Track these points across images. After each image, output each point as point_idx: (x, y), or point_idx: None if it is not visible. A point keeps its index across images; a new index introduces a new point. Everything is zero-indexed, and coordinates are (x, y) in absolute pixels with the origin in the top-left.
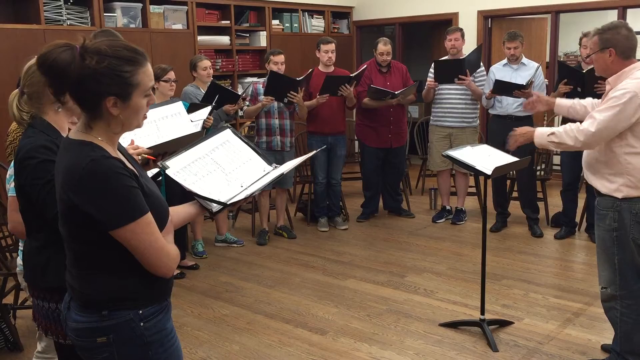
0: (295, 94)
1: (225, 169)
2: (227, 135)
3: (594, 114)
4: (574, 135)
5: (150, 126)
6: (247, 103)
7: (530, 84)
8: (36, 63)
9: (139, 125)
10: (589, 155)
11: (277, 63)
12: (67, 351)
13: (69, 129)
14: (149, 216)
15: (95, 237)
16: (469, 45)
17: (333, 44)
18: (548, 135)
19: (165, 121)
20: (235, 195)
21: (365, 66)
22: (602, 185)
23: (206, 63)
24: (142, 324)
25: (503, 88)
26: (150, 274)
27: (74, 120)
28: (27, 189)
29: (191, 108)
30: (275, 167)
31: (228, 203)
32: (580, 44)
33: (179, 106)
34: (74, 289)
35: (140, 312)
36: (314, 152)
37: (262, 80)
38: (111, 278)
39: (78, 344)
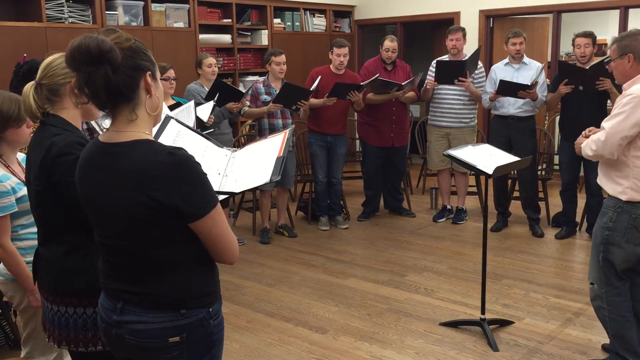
0: (306, 102)
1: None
2: (176, 126)
3: (603, 124)
4: (589, 146)
5: None
6: (248, 104)
7: (534, 84)
8: (73, 58)
9: (161, 118)
10: (602, 160)
11: (280, 63)
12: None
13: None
14: (219, 203)
15: (174, 235)
16: (470, 45)
17: (346, 48)
18: (582, 148)
19: None
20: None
21: (377, 75)
22: (610, 187)
23: (211, 60)
24: (211, 321)
25: (507, 88)
26: (215, 269)
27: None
28: (61, 186)
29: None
30: (234, 150)
31: (237, 191)
32: (573, 45)
33: (164, 108)
34: (136, 293)
35: (211, 309)
36: (286, 131)
37: (262, 79)
38: (189, 276)
39: (143, 345)
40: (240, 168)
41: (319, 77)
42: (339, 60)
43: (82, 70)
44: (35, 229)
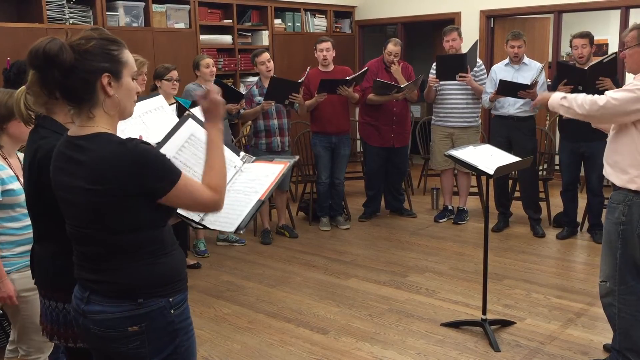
0: (297, 95)
1: (197, 172)
2: (191, 127)
3: (607, 92)
4: (581, 103)
5: (136, 121)
6: (244, 107)
7: (534, 83)
8: (27, 59)
9: (131, 112)
10: (609, 149)
11: (264, 62)
12: (77, 355)
13: None
14: (181, 174)
15: (132, 222)
16: (469, 45)
17: (328, 43)
18: (560, 98)
19: (149, 116)
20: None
21: (366, 68)
22: (617, 177)
23: (208, 61)
24: (172, 311)
25: (507, 88)
26: (178, 260)
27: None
28: (48, 188)
29: (193, 105)
30: (247, 158)
31: (210, 227)
32: (571, 46)
33: (160, 100)
34: (99, 282)
35: (171, 299)
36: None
37: (254, 81)
38: (148, 265)
39: (105, 335)
40: (231, 194)
41: (308, 68)
42: (322, 55)
43: (36, 72)
44: (11, 225)
